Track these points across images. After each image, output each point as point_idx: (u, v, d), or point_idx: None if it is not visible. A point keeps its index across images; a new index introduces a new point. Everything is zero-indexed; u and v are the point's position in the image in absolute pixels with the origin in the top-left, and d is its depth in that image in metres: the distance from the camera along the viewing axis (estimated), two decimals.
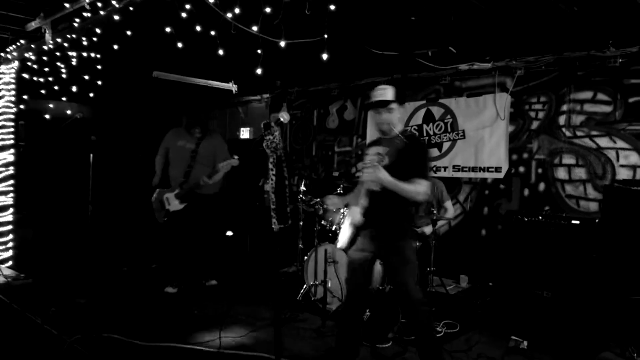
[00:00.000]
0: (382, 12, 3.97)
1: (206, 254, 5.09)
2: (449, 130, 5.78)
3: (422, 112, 6.04)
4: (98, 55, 4.51)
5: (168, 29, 3.65)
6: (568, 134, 4.92)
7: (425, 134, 5.99)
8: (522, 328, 3.80)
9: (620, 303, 3.63)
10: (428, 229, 4.68)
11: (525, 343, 3.69)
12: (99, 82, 4.72)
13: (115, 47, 4.24)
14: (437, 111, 5.91)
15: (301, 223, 5.31)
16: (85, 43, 4.33)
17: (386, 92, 3.05)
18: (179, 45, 3.69)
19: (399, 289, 3.06)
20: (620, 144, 4.62)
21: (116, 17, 3.71)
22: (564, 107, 4.95)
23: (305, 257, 4.77)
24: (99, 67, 4.61)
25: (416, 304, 2.93)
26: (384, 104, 3.02)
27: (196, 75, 6.26)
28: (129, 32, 3.92)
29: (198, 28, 3.54)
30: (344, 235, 3.18)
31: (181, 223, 4.83)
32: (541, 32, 4.51)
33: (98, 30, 4.06)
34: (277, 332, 2.72)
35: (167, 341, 3.57)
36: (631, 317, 3.61)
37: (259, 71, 3.61)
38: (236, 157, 4.63)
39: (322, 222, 4.89)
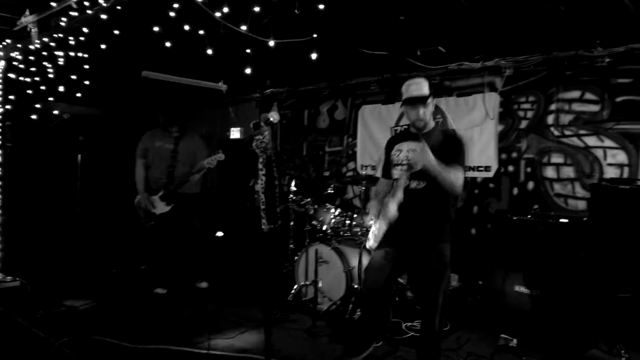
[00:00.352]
0: (372, 11, 3.98)
1: (196, 255, 5.05)
2: (440, 129, 5.80)
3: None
4: (85, 55, 4.47)
5: (156, 28, 3.63)
6: (556, 133, 4.97)
7: None
8: (511, 326, 3.84)
9: (608, 301, 3.68)
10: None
11: (515, 341, 3.73)
12: (87, 82, 4.67)
13: (103, 46, 4.21)
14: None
15: (292, 223, 5.31)
16: (72, 42, 4.29)
17: (422, 86, 2.91)
18: (168, 44, 3.67)
19: (426, 293, 2.94)
20: (608, 142, 4.68)
21: (103, 16, 3.68)
22: (553, 107, 4.99)
23: (296, 258, 4.77)
24: (86, 66, 4.57)
25: (438, 312, 2.88)
26: (423, 100, 2.88)
27: (186, 75, 6.23)
28: (116, 32, 3.89)
29: (187, 27, 3.53)
30: (377, 234, 3.05)
31: (169, 225, 4.79)
32: (530, 32, 4.55)
33: (85, 30, 4.02)
34: (267, 333, 2.72)
35: (157, 343, 3.55)
36: (618, 314, 3.65)
37: (248, 71, 3.60)
38: (220, 151, 4.58)
39: (313, 222, 4.90)
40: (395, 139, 3.26)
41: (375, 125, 6.38)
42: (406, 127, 6.05)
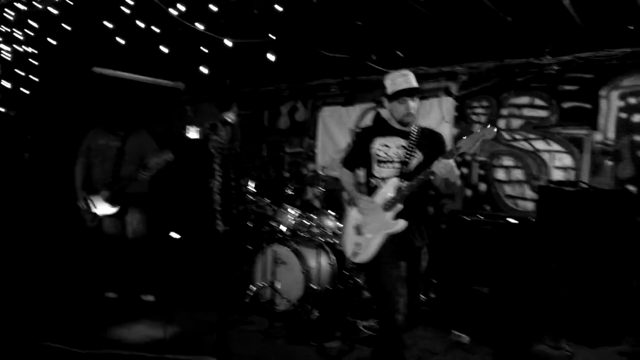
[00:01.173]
0: (330, 14, 4.04)
1: (141, 263, 4.73)
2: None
3: (372, 114, 6.16)
4: (34, 50, 4.31)
5: (109, 25, 3.55)
6: (507, 137, 5.19)
7: None
8: (463, 323, 3.97)
9: (554, 298, 3.87)
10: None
11: (467, 337, 3.86)
12: (36, 79, 4.50)
13: (53, 42, 4.08)
14: (384, 113, 6.04)
15: (250, 224, 5.29)
16: (20, 37, 4.14)
17: (410, 78, 2.79)
18: (121, 41, 3.60)
19: (401, 292, 2.86)
20: (555, 146, 4.93)
21: (54, 11, 3.57)
22: (504, 112, 5.21)
23: (254, 259, 4.76)
24: (35, 62, 4.41)
25: (401, 310, 2.87)
26: (413, 92, 2.78)
27: (143, 72, 6.11)
28: (67, 27, 3.78)
29: (141, 24, 3.47)
30: (373, 245, 2.86)
31: (114, 228, 4.57)
32: (484, 40, 4.74)
33: (34, 24, 3.89)
34: (220, 335, 2.71)
35: (108, 348, 3.47)
36: (563, 311, 3.86)
37: (205, 70, 3.57)
38: (169, 150, 4.39)
39: (272, 223, 4.90)
40: (373, 132, 3.05)
41: (335, 127, 6.45)
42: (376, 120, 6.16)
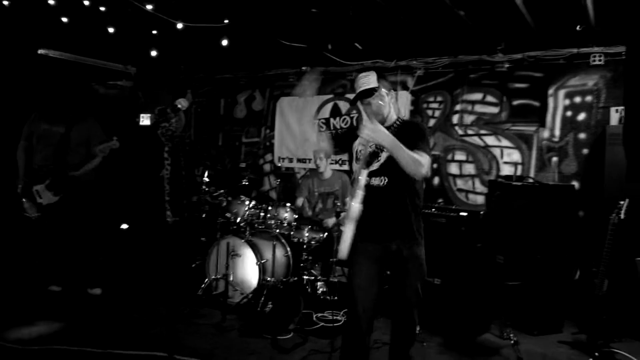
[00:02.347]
0: (288, 2, 3.94)
1: (87, 255, 4.52)
2: (355, 124, 5.93)
3: (330, 105, 6.14)
4: None
5: (52, 2, 3.31)
6: (460, 132, 5.28)
7: (332, 128, 6.09)
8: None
9: (500, 288, 3.99)
10: (331, 221, 4.77)
11: (418, 327, 3.91)
12: None
13: None
14: (343, 105, 6.03)
15: (204, 215, 5.15)
16: None
17: (369, 79, 2.62)
18: (65, 20, 3.36)
19: (404, 293, 2.67)
20: (505, 142, 5.06)
21: None
22: (458, 107, 5.30)
23: (208, 251, 4.64)
24: None
25: (414, 309, 2.68)
26: (369, 93, 2.59)
27: (91, 55, 5.79)
28: (5, 2, 3.50)
29: (87, 2, 3.25)
30: (345, 237, 2.64)
31: (58, 217, 4.29)
32: (439, 36, 4.78)
33: None
34: (170, 329, 2.61)
35: (50, 343, 3.28)
36: (508, 301, 3.98)
37: (153, 53, 3.40)
38: (115, 138, 4.18)
39: (226, 214, 4.78)
40: (355, 130, 2.94)
41: (293, 117, 6.38)
42: (324, 121, 6.15)
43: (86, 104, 4.53)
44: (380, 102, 2.61)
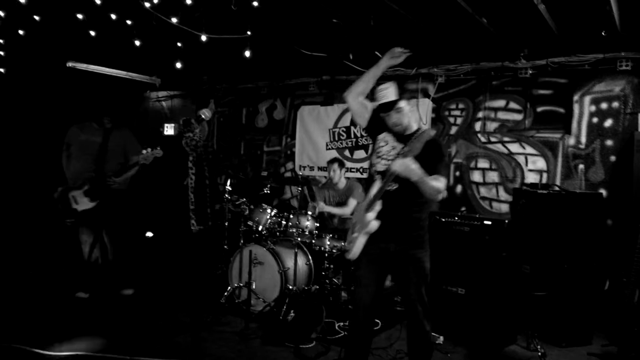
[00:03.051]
0: (308, 12, 3.96)
1: (121, 258, 4.70)
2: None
3: (350, 114, 6.11)
4: (1, 41, 4.11)
5: (81, 16, 3.40)
6: (483, 139, 5.21)
7: (353, 136, 6.08)
8: (439, 324, 3.96)
9: (527, 298, 3.89)
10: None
11: (442, 338, 3.85)
12: (2, 70, 4.30)
13: (21, 32, 3.89)
14: None
15: (226, 223, 5.17)
16: None
17: (389, 92, 2.75)
18: (92, 33, 3.44)
19: (410, 301, 2.76)
20: (529, 149, 4.97)
21: (22, 0, 3.39)
22: (480, 114, 5.24)
23: (231, 259, 4.66)
24: (1, 53, 4.20)
25: (424, 318, 2.75)
26: (390, 106, 2.70)
27: (117, 67, 5.93)
28: (37, 17, 3.61)
29: (114, 16, 3.33)
30: (358, 243, 2.77)
31: (92, 223, 4.45)
32: (461, 43, 4.75)
33: (1, 13, 3.70)
34: (195, 336, 2.62)
35: (77, 350, 3.33)
36: (535, 311, 3.88)
37: (178, 65, 3.46)
38: (159, 147, 4.31)
39: (248, 223, 4.80)
40: (382, 125, 2.88)
41: (313, 126, 6.39)
42: (344, 129, 6.14)
43: (121, 115, 4.68)
44: (399, 115, 2.72)
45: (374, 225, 2.67)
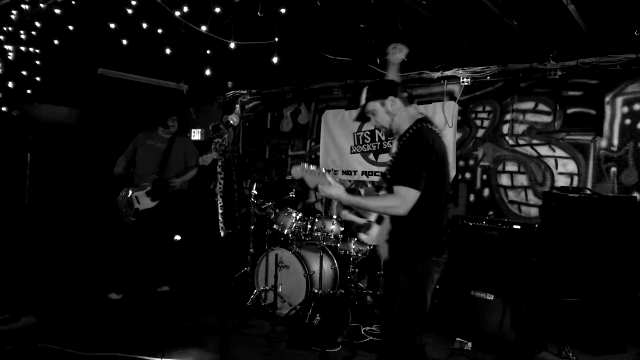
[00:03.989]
0: (334, 17, 3.98)
1: (160, 257, 4.95)
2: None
3: None
4: (37, 50, 4.26)
5: (113, 25, 3.50)
6: (511, 142, 5.13)
7: (377, 139, 6.07)
8: (466, 330, 3.91)
9: (558, 305, 3.81)
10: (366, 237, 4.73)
11: (470, 344, 3.80)
12: (38, 78, 4.45)
13: (56, 42, 4.03)
14: None
15: (252, 227, 5.23)
16: (23, 37, 4.08)
17: (361, 97, 2.57)
18: (124, 42, 3.54)
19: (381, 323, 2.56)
20: (559, 152, 4.86)
21: (57, 11, 3.52)
22: (508, 117, 5.16)
23: (257, 262, 4.71)
24: (38, 62, 4.35)
25: (386, 327, 2.49)
26: (362, 111, 2.58)
27: (146, 74, 6.06)
28: (71, 27, 3.73)
29: (145, 25, 3.42)
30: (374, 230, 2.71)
31: (150, 222, 4.71)
32: (487, 44, 4.68)
33: (38, 24, 3.84)
34: (222, 339, 2.66)
35: (108, 351, 3.41)
36: (566, 318, 3.79)
37: (207, 72, 3.52)
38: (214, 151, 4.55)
39: (274, 226, 4.84)
40: None
41: (338, 130, 6.41)
42: (368, 133, 6.14)
43: (182, 123, 4.97)
44: (374, 117, 2.56)
45: (373, 234, 2.62)
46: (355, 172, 6.19)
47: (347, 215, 3.80)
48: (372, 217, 2.87)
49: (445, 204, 2.50)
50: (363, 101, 2.56)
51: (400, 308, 2.39)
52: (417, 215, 2.35)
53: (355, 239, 4.59)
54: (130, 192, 4.72)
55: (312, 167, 2.42)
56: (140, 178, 4.78)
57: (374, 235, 2.85)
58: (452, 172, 5.44)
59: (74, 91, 6.75)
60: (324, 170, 2.42)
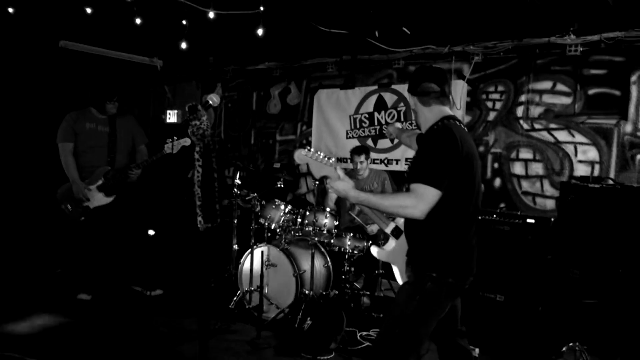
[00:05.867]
0: None
1: (132, 255, 4.91)
2: (402, 119, 5.89)
3: (374, 98, 6.12)
4: None
5: None
6: (526, 126, 5.15)
7: (376, 123, 6.07)
8: (474, 334, 3.94)
9: (574, 307, 3.86)
10: (375, 227, 4.76)
11: (477, 350, 3.84)
12: None
13: (11, 10, 3.97)
14: (389, 98, 6.01)
15: (235, 221, 5.23)
16: None
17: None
18: (89, 10, 3.50)
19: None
20: (579, 138, 4.90)
21: None
22: (522, 98, 5.18)
23: (240, 260, 4.72)
24: None
25: (379, 343, 2.40)
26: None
27: (115, 48, 6.00)
28: None
29: None
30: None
31: (105, 219, 4.61)
32: (501, 16, 4.68)
33: None
34: (202, 346, 2.67)
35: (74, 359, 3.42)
36: (584, 321, 3.84)
37: (184, 45, 3.49)
38: (187, 137, 4.43)
39: (260, 220, 4.84)
40: None
41: (332, 112, 6.40)
42: (366, 116, 6.15)
43: (124, 100, 4.81)
44: (413, 112, 2.56)
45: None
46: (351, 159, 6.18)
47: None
48: (389, 228, 2.90)
49: (475, 214, 2.42)
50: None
51: (401, 330, 2.34)
52: (439, 224, 2.29)
53: (351, 234, 4.61)
54: (83, 187, 4.55)
55: (320, 154, 2.45)
56: (86, 169, 4.59)
57: (389, 251, 2.95)
58: None
59: (31, 66, 6.68)
60: (333, 160, 2.44)
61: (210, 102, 2.67)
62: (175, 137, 4.31)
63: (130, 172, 4.53)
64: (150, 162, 4.61)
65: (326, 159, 2.46)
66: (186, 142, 4.40)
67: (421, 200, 2.20)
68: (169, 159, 4.73)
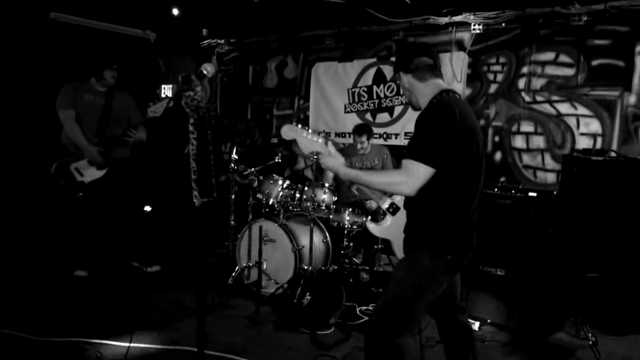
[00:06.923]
0: None
1: (128, 230, 4.85)
2: (401, 92, 5.78)
3: (373, 71, 6.01)
4: None
5: None
6: (527, 98, 5.07)
7: (375, 97, 5.97)
8: (475, 309, 3.94)
9: (577, 281, 3.84)
10: (374, 203, 4.70)
11: (478, 324, 3.84)
12: None
13: None
14: (389, 71, 5.89)
15: (233, 197, 5.17)
16: None
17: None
18: None
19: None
20: (582, 110, 4.82)
21: None
22: (525, 69, 5.08)
23: (238, 236, 4.68)
24: None
25: (379, 316, 2.33)
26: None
27: (106, 19, 5.85)
28: None
29: None
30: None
31: (102, 195, 4.54)
32: None
33: None
34: (200, 322, 2.63)
35: (71, 336, 3.39)
36: (586, 295, 3.83)
37: (175, 11, 3.36)
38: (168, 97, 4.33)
39: (258, 196, 4.78)
40: None
41: (330, 86, 6.29)
42: (365, 89, 6.04)
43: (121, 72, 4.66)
44: (403, 87, 2.49)
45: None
46: (350, 134, 6.11)
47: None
48: (385, 204, 2.85)
49: (476, 191, 2.32)
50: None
51: (398, 305, 2.29)
52: (438, 200, 2.22)
53: (350, 209, 4.56)
54: (68, 164, 4.42)
55: (309, 130, 2.36)
56: (72, 143, 4.45)
57: (385, 227, 2.93)
58: None
59: (21, 39, 6.52)
60: (322, 136, 2.35)
61: (205, 71, 2.56)
62: (155, 100, 4.16)
63: (127, 136, 4.47)
64: (139, 124, 4.54)
65: (315, 134, 2.37)
66: (169, 102, 4.24)
67: (411, 176, 2.15)
68: (163, 133, 4.63)
